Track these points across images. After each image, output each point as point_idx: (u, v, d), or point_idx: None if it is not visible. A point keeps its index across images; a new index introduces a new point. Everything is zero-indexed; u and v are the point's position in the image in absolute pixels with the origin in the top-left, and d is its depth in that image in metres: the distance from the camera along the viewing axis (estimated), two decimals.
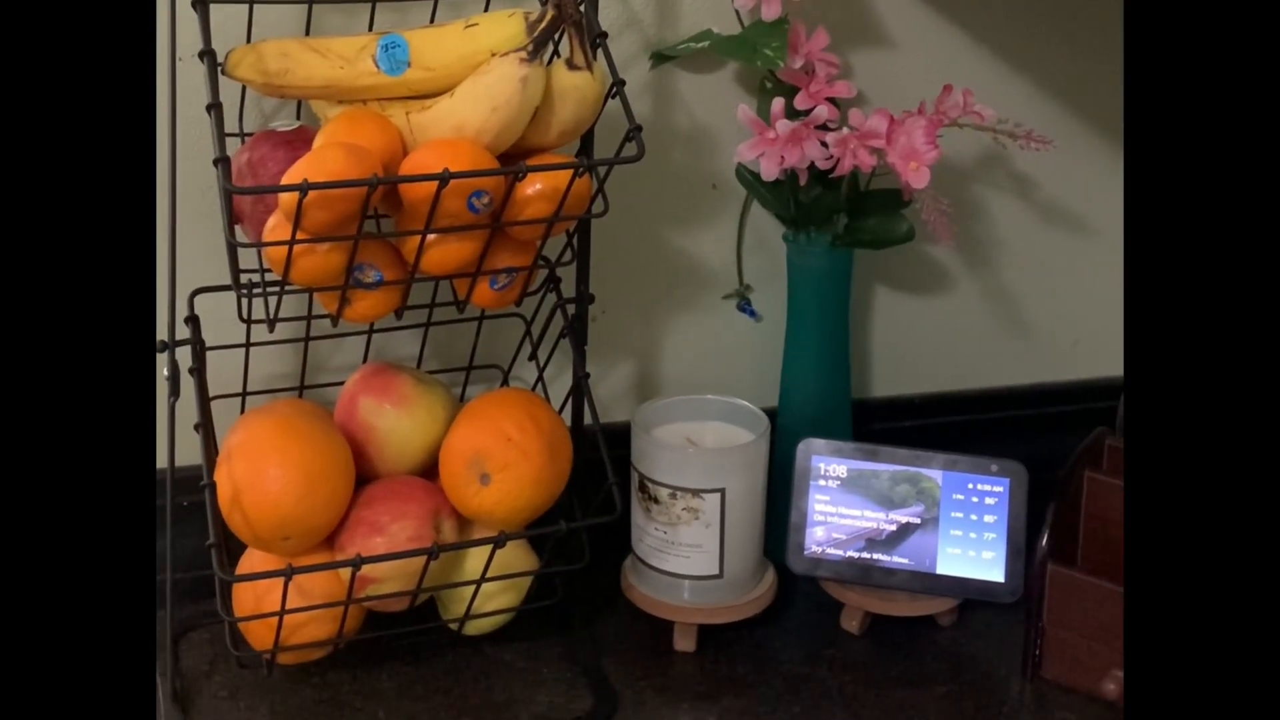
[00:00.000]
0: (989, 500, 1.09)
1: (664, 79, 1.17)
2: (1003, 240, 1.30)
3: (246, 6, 1.01)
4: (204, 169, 0.99)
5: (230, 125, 1.04)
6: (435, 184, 0.89)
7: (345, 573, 0.96)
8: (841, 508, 1.10)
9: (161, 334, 0.97)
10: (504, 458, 1.00)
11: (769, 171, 1.09)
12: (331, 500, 0.99)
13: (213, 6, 0.95)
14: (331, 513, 0.99)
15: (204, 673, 1.06)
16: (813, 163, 1.10)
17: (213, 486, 0.95)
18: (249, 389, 1.09)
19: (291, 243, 0.90)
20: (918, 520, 1.09)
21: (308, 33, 1.04)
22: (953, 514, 1.09)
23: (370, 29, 1.04)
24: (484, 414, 1.03)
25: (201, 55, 0.92)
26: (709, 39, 1.13)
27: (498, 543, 0.98)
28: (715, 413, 1.13)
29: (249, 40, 1.01)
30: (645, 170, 1.10)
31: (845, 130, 1.09)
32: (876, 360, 1.30)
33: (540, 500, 1.02)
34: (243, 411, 1.09)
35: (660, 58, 1.15)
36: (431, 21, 1.05)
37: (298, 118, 1.07)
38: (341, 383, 1.08)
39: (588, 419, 1.07)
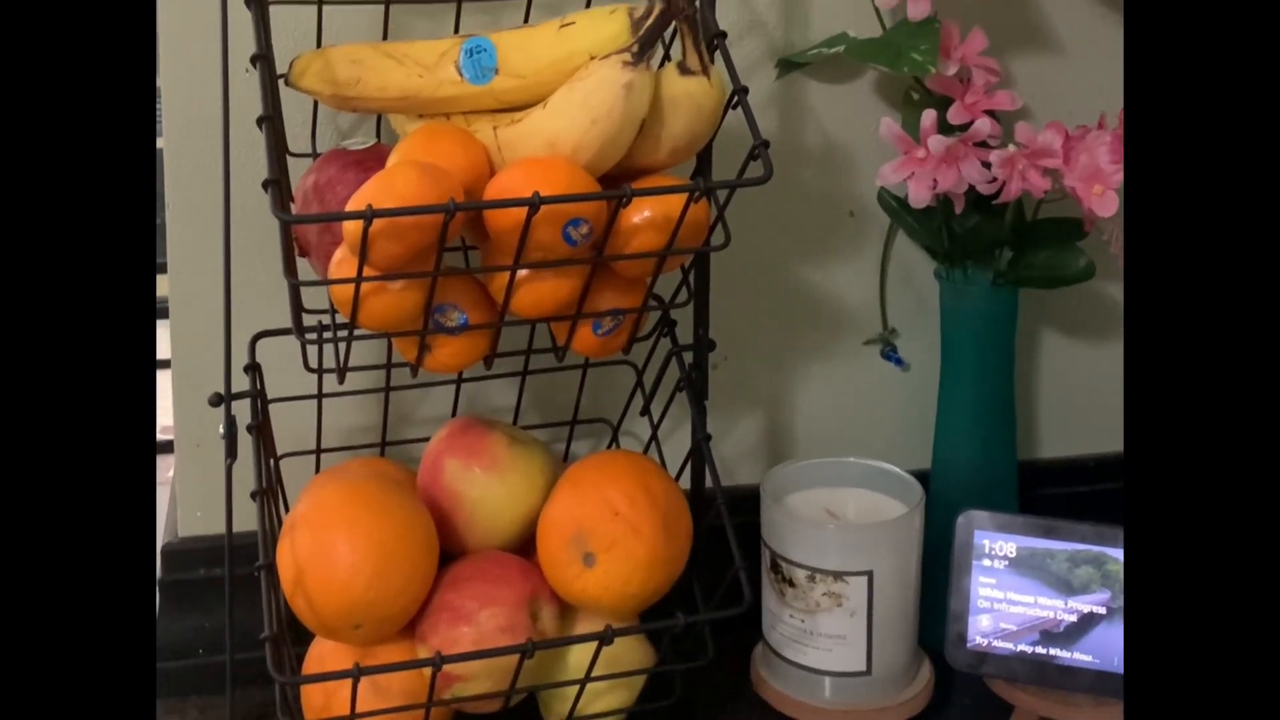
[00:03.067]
0: None
1: (792, 89, 1.08)
2: None
3: (315, 7, 0.93)
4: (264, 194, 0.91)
5: (301, 145, 0.97)
6: (524, 211, 0.79)
7: (426, 669, 0.86)
8: (1010, 593, 0.99)
9: (217, 385, 0.87)
10: (611, 535, 0.90)
11: (919, 197, 0.99)
12: (410, 583, 0.89)
13: (276, 8, 0.88)
14: (409, 597, 0.89)
15: None
16: (971, 186, 0.99)
17: (270, 568, 0.86)
18: (325, 445, 1.03)
19: (358, 280, 0.80)
20: (1102, 609, 0.97)
21: (385, 37, 0.96)
22: None
23: (456, 32, 0.96)
24: (587, 482, 0.93)
25: (254, 60, 0.83)
26: (845, 43, 1.04)
27: (603, 639, 0.87)
28: (858, 478, 1.04)
29: (319, 46, 0.93)
30: (772, 195, 1.04)
31: (1011, 148, 0.98)
32: (1045, 415, 1.20)
33: (654, 584, 0.91)
34: (317, 470, 1.02)
35: (788, 65, 1.06)
36: (525, 22, 0.97)
37: (376, 134, 1.00)
38: (429, 438, 0.99)
39: (709, 482, 0.97)
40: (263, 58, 0.82)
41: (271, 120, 0.81)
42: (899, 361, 1.15)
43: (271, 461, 0.95)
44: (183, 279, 0.99)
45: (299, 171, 0.93)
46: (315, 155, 0.97)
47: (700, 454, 0.98)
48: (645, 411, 1.03)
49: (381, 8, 0.95)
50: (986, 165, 0.98)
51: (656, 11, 0.84)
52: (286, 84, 0.87)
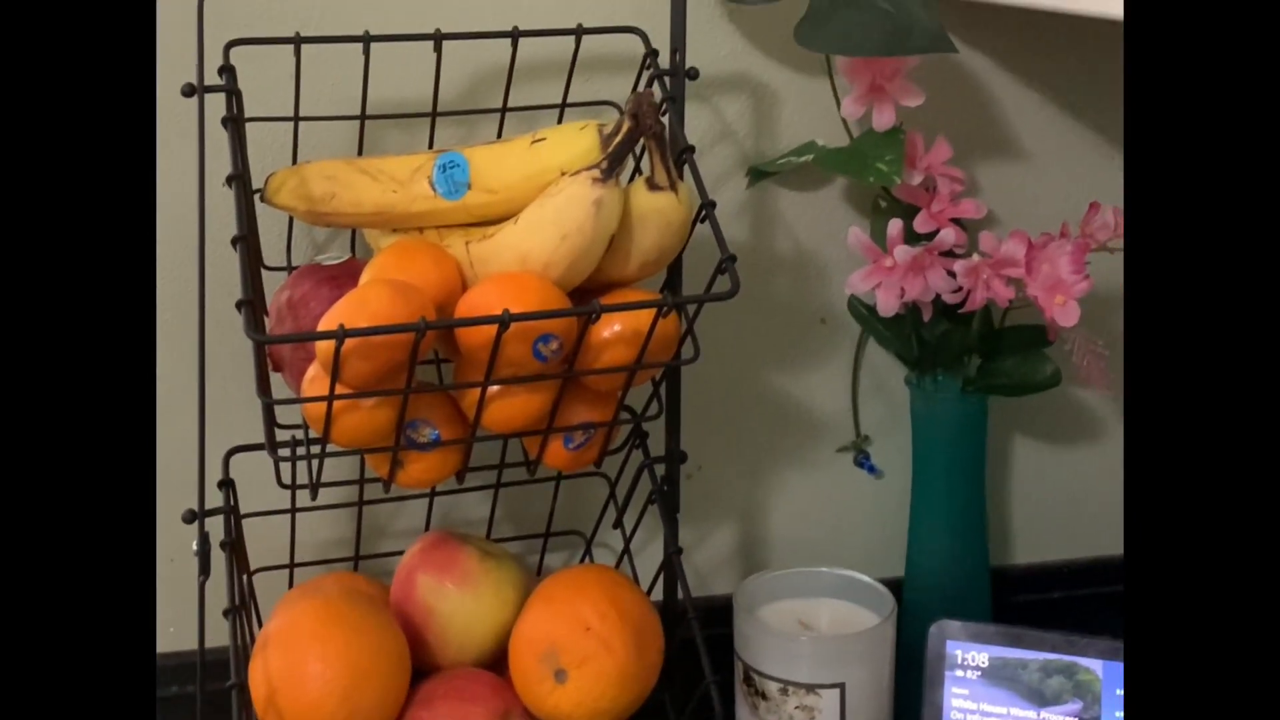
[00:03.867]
0: None
1: (762, 198, 1.09)
2: None
3: (290, 125, 0.95)
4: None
5: (276, 258, 0.99)
6: (495, 328, 0.80)
7: None
8: (984, 704, 0.98)
9: (191, 501, 0.88)
10: (582, 650, 0.90)
11: (887, 305, 1.00)
12: (382, 702, 0.89)
13: (253, 126, 0.89)
14: (382, 714, 0.89)
15: None
16: (938, 295, 1.01)
17: (240, 688, 0.86)
18: (299, 559, 1.03)
19: (330, 398, 0.81)
20: None
21: (361, 150, 0.98)
22: (1118, 713, 0.96)
23: (431, 145, 0.98)
24: (559, 597, 0.94)
25: (229, 180, 0.84)
26: (813, 152, 1.06)
27: None
28: (831, 588, 1.04)
29: (294, 163, 0.94)
30: (744, 303, 1.03)
31: (976, 257, 1.00)
32: (1017, 522, 1.21)
33: (626, 700, 0.92)
34: (290, 585, 1.03)
35: (758, 174, 1.08)
36: (499, 136, 0.99)
37: (351, 248, 1.01)
38: (403, 551, 1.00)
39: (681, 596, 0.97)
40: (238, 178, 0.84)
41: (246, 240, 0.82)
42: (872, 469, 1.15)
43: (245, 577, 0.95)
44: (158, 395, 0.99)
45: (274, 284, 0.95)
46: (290, 269, 0.98)
47: (672, 568, 0.98)
48: (618, 524, 1.03)
49: (357, 124, 0.96)
50: (952, 274, 0.99)
51: (625, 128, 0.86)
52: (262, 199, 0.89)
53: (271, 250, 0.98)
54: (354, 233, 1.00)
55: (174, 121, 0.95)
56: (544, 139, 0.89)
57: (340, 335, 0.77)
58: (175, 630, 1.04)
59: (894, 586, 1.03)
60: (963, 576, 1.09)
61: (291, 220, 0.97)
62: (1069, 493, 1.20)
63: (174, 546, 1.01)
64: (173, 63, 0.91)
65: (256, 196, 0.89)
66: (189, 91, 0.85)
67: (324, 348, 0.79)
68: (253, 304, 0.80)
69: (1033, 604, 1.16)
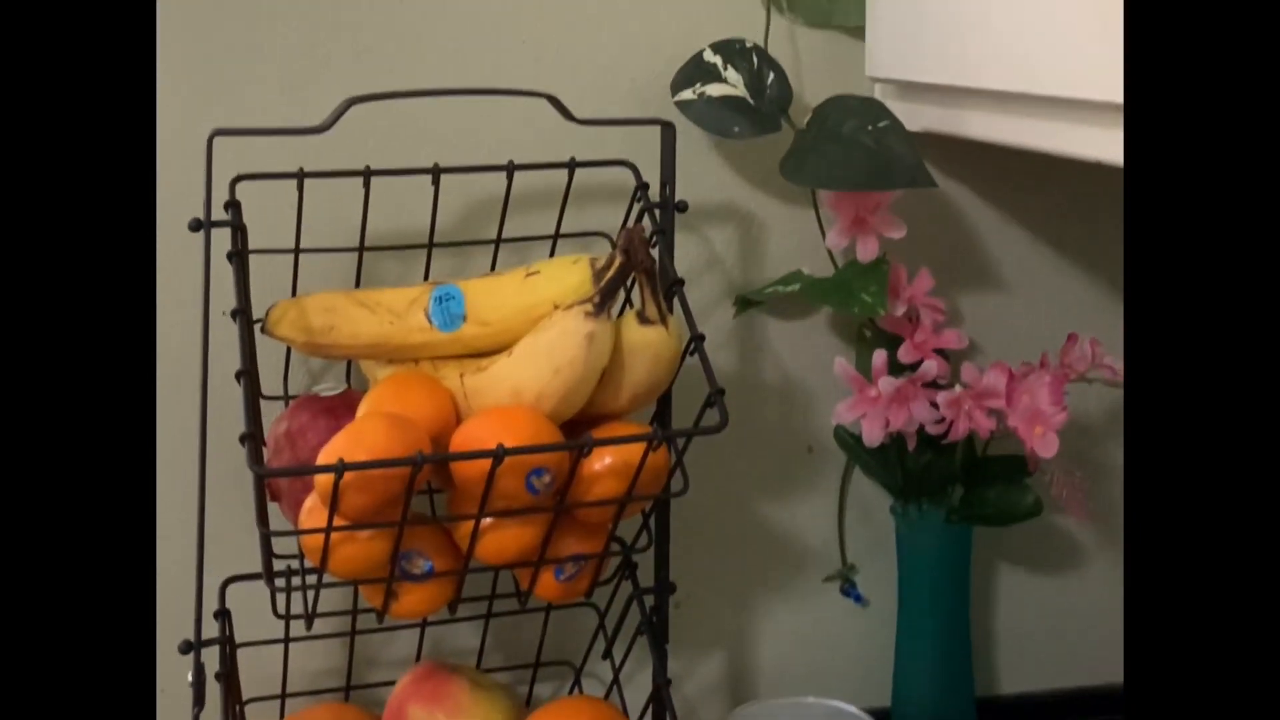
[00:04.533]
0: None
1: (750, 327, 1.12)
2: None
3: (291, 256, 0.97)
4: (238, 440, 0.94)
5: (273, 387, 1.01)
6: (489, 463, 0.82)
7: None
8: None
9: (189, 629, 0.90)
10: None
11: (872, 435, 1.03)
12: None
13: (254, 257, 0.92)
14: None
15: None
16: (922, 425, 1.03)
17: None
18: (290, 689, 1.04)
19: (328, 530, 0.83)
20: None
21: (358, 281, 1.00)
22: None
23: (426, 276, 1.01)
24: None
25: (234, 314, 0.87)
26: (799, 281, 1.08)
27: None
28: (817, 718, 1.05)
29: (294, 293, 0.97)
30: (731, 434, 1.04)
31: (958, 388, 1.02)
32: (1003, 651, 1.22)
33: None
34: (282, 716, 1.04)
35: (745, 303, 1.11)
36: (493, 267, 1.02)
37: (346, 378, 1.04)
38: (394, 681, 1.01)
39: None
40: (242, 312, 0.86)
41: (249, 374, 0.84)
42: (859, 598, 1.16)
43: (238, 707, 0.96)
44: (159, 525, 1.01)
45: (271, 413, 0.97)
46: (287, 398, 1.01)
47: (660, 699, 0.99)
48: (607, 654, 1.05)
49: (355, 253, 0.99)
50: (935, 405, 1.02)
51: (617, 263, 0.89)
52: (263, 330, 0.91)
53: (269, 379, 1.00)
54: (349, 362, 1.02)
55: (177, 253, 0.98)
56: (538, 272, 0.92)
57: (339, 469, 0.79)
58: None
59: (882, 715, 1.05)
60: (949, 706, 1.10)
61: (289, 350, 1.00)
62: (1053, 621, 1.21)
63: (166, 678, 1.01)
64: (178, 195, 0.94)
65: (256, 326, 0.91)
66: (196, 226, 0.88)
67: (323, 480, 0.81)
68: (255, 437, 0.82)
69: None
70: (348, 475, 0.80)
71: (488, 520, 0.87)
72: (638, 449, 0.86)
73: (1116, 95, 0.75)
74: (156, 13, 0.98)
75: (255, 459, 0.81)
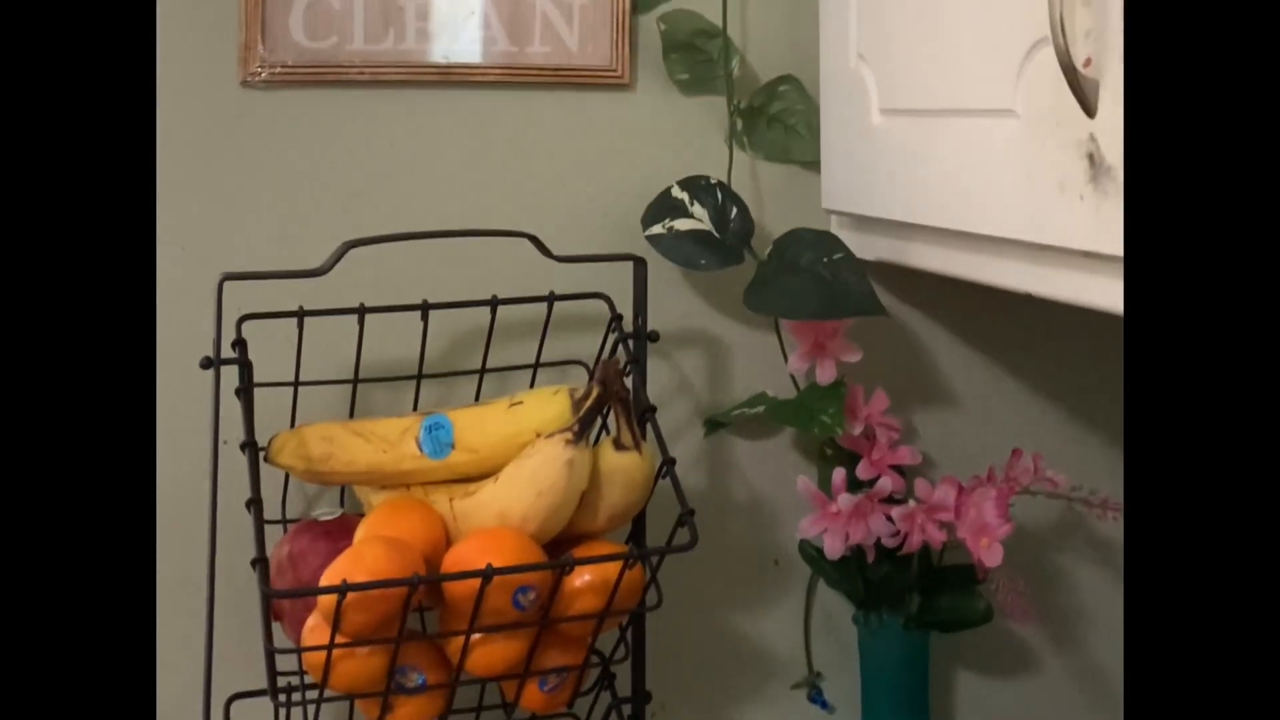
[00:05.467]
0: None
1: (718, 447, 1.18)
2: (1090, 612, 1.27)
3: (291, 388, 1.04)
4: (243, 564, 0.99)
5: (273, 512, 1.06)
6: (479, 582, 0.89)
7: None
8: None
9: None
10: None
11: (833, 549, 1.09)
12: None
13: (257, 390, 0.98)
14: None
15: None
16: (879, 539, 1.09)
17: None
18: None
19: (330, 647, 0.90)
20: None
21: (353, 409, 1.07)
22: None
23: (415, 404, 1.07)
24: None
25: (244, 447, 0.93)
26: (764, 403, 1.15)
27: None
28: None
29: (293, 421, 1.03)
30: (702, 549, 1.08)
31: (912, 503, 1.09)
32: None
33: None
34: None
35: (713, 424, 1.17)
36: (478, 395, 1.08)
37: (341, 502, 1.09)
38: None
39: None
40: (250, 444, 0.93)
41: (258, 503, 0.91)
42: (824, 704, 1.21)
43: None
44: (162, 644, 1.03)
45: (270, 536, 1.02)
46: (285, 522, 1.07)
47: None
48: None
49: (350, 384, 1.06)
50: (890, 519, 1.08)
51: (594, 394, 0.97)
52: (265, 460, 0.97)
53: (269, 504, 1.03)
54: (344, 487, 1.09)
55: (187, 389, 1.03)
56: (521, 403, 1.00)
57: (343, 590, 0.86)
58: None
59: None
60: None
61: (288, 477, 1.06)
62: None
63: None
64: (189, 334, 1.01)
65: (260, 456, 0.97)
66: (207, 364, 0.95)
67: (326, 600, 0.88)
68: (264, 561, 0.89)
69: None
70: (349, 595, 0.87)
71: (477, 635, 0.93)
72: (615, 567, 0.93)
73: (1042, 236, 0.84)
74: (159, 166, 1.05)
75: (265, 581, 0.88)
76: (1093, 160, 0.80)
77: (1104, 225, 0.79)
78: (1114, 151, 0.77)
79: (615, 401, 0.98)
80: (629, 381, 1.01)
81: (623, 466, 0.97)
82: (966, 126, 0.93)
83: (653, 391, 1.09)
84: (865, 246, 1.11)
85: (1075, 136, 0.81)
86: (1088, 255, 0.82)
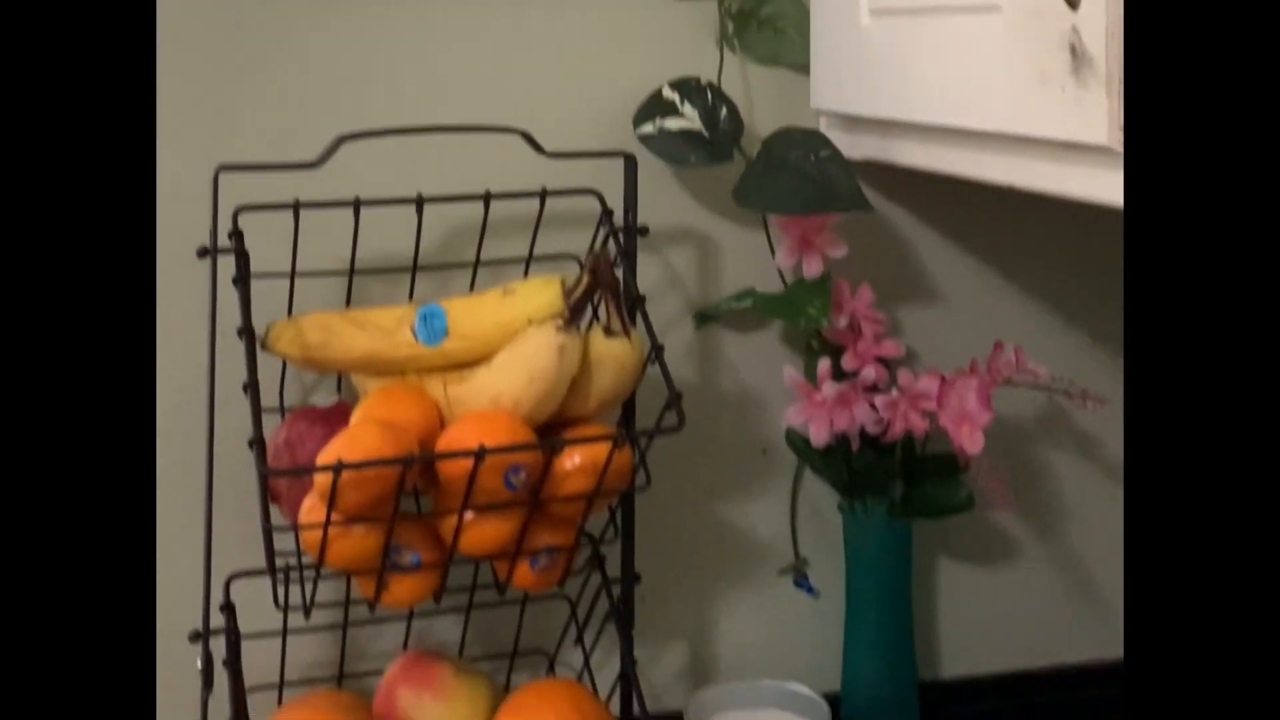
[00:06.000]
0: None
1: (708, 340, 1.20)
2: (1069, 504, 1.30)
3: (288, 279, 1.05)
4: (242, 448, 1.01)
5: (270, 399, 1.08)
6: (472, 462, 0.91)
7: None
8: None
9: (195, 621, 0.98)
10: None
11: (818, 437, 1.11)
12: None
13: (254, 279, 0.99)
14: None
15: None
16: (864, 427, 1.11)
17: None
18: (287, 679, 1.10)
19: (326, 525, 0.92)
20: None
21: (349, 301, 1.08)
22: None
23: (411, 297, 1.09)
24: (526, 708, 1.03)
25: (240, 333, 0.95)
26: (751, 298, 1.16)
27: None
28: (772, 700, 1.13)
29: (290, 312, 1.05)
30: (690, 437, 1.13)
31: (894, 392, 1.11)
32: (944, 638, 1.29)
33: None
34: (279, 704, 1.10)
35: (703, 317, 1.19)
36: (471, 288, 1.10)
37: (338, 390, 1.11)
38: (382, 671, 1.08)
39: (637, 709, 1.06)
40: (247, 331, 0.95)
41: (255, 386, 0.93)
42: (810, 589, 1.23)
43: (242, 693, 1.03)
44: (163, 526, 1.07)
45: (268, 425, 1.04)
46: (284, 410, 1.09)
47: (628, 679, 1.08)
48: (579, 641, 1.13)
49: (345, 275, 1.07)
50: (875, 408, 1.10)
51: (585, 283, 0.98)
52: (262, 348, 0.98)
53: (266, 393, 1.06)
54: (339, 378, 1.11)
55: (185, 279, 1.05)
56: (514, 291, 1.01)
57: (338, 468, 0.88)
58: None
59: (833, 699, 1.11)
60: (893, 687, 1.17)
61: (285, 365, 1.08)
62: (991, 610, 1.28)
63: (169, 671, 1.05)
64: (186, 226, 1.02)
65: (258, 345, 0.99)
66: (203, 253, 0.97)
67: (322, 479, 0.90)
68: (261, 442, 0.91)
69: (961, 716, 1.23)
70: (345, 474, 0.89)
71: (470, 515, 0.95)
72: (604, 448, 0.95)
73: (1025, 128, 0.86)
74: (159, 59, 1.06)
75: (262, 461, 0.90)
76: (1074, 52, 0.81)
77: (1085, 116, 0.80)
78: (1096, 44, 0.78)
79: (605, 290, 0.99)
80: (619, 273, 1.02)
81: (612, 352, 0.99)
82: (952, 24, 0.94)
83: (643, 287, 1.10)
84: (853, 146, 1.12)
85: (1058, 29, 0.82)
86: (1069, 146, 0.83)
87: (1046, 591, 1.30)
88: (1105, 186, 0.80)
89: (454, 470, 0.93)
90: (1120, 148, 0.77)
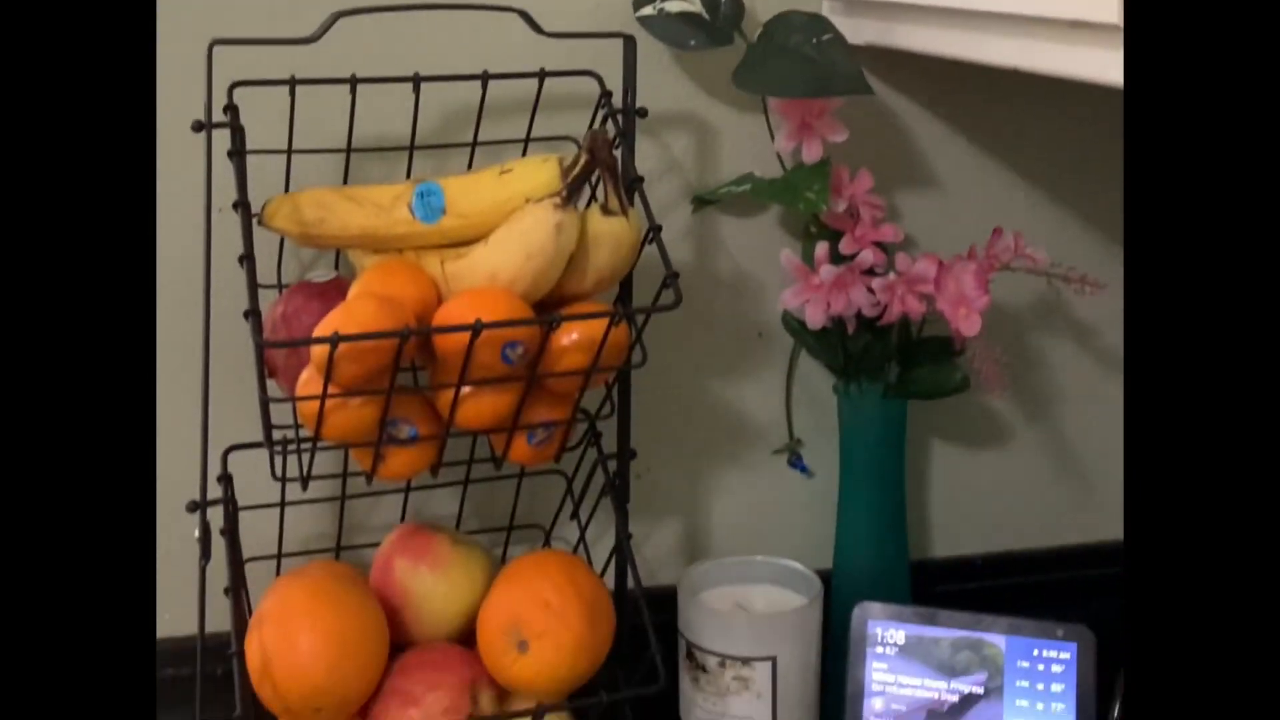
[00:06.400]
0: (1055, 668, 1.07)
1: (706, 224, 1.20)
2: (1063, 390, 1.31)
3: (285, 156, 1.05)
4: (240, 322, 1.02)
5: (268, 276, 1.08)
6: (468, 336, 0.91)
7: None
8: (900, 676, 1.09)
9: (193, 493, 0.99)
10: (542, 624, 1.00)
11: (815, 319, 1.12)
12: (364, 669, 0.99)
13: (250, 157, 0.99)
14: (364, 682, 0.99)
15: None
16: (860, 310, 1.12)
17: (240, 655, 0.96)
18: (285, 550, 1.11)
19: (323, 397, 0.92)
20: (980, 690, 1.08)
21: (346, 180, 1.08)
22: (1018, 683, 1.07)
23: (408, 175, 1.08)
24: (521, 578, 1.04)
25: (236, 206, 0.95)
26: (750, 183, 1.16)
27: (536, 715, 0.98)
28: (765, 575, 1.14)
29: (286, 190, 1.05)
30: (688, 319, 1.15)
31: (892, 275, 1.11)
32: (936, 518, 1.31)
33: (581, 669, 1.01)
34: (278, 574, 1.11)
35: (701, 201, 1.19)
36: (469, 167, 1.10)
37: (335, 268, 1.11)
38: (379, 543, 1.10)
39: (632, 582, 1.07)
40: (242, 204, 0.95)
41: (250, 259, 0.93)
42: (804, 469, 1.25)
43: (239, 561, 1.05)
44: (161, 399, 1.09)
45: (266, 301, 1.05)
46: (281, 287, 1.09)
47: (622, 552, 1.09)
48: (575, 515, 1.14)
49: (343, 155, 1.07)
50: (872, 291, 1.11)
51: (582, 161, 0.98)
52: (259, 223, 0.98)
53: (263, 269, 1.07)
54: (338, 254, 1.11)
55: (181, 154, 1.04)
56: (511, 170, 1.01)
57: (334, 340, 0.89)
58: (170, 617, 1.12)
59: (825, 576, 1.13)
60: (885, 565, 1.19)
61: (283, 242, 1.08)
62: (982, 491, 1.30)
63: (168, 541, 1.10)
64: (181, 102, 1.02)
65: (254, 220, 0.99)
66: (198, 127, 0.97)
67: (319, 351, 0.90)
68: (257, 314, 0.91)
69: (951, 594, 1.24)
70: (341, 346, 0.89)
71: (467, 389, 0.96)
72: (601, 324, 0.95)
73: (1031, 7, 0.85)
74: None
75: (258, 332, 0.90)
76: None
77: None
78: None
79: (603, 169, 0.99)
80: (618, 153, 1.02)
81: (610, 230, 0.99)
82: None
83: (641, 170, 1.10)
84: (855, 31, 1.11)
85: None
86: (1074, 25, 0.82)
87: (1038, 475, 1.32)
88: (1114, 67, 0.79)
89: (451, 344, 0.93)
90: None
